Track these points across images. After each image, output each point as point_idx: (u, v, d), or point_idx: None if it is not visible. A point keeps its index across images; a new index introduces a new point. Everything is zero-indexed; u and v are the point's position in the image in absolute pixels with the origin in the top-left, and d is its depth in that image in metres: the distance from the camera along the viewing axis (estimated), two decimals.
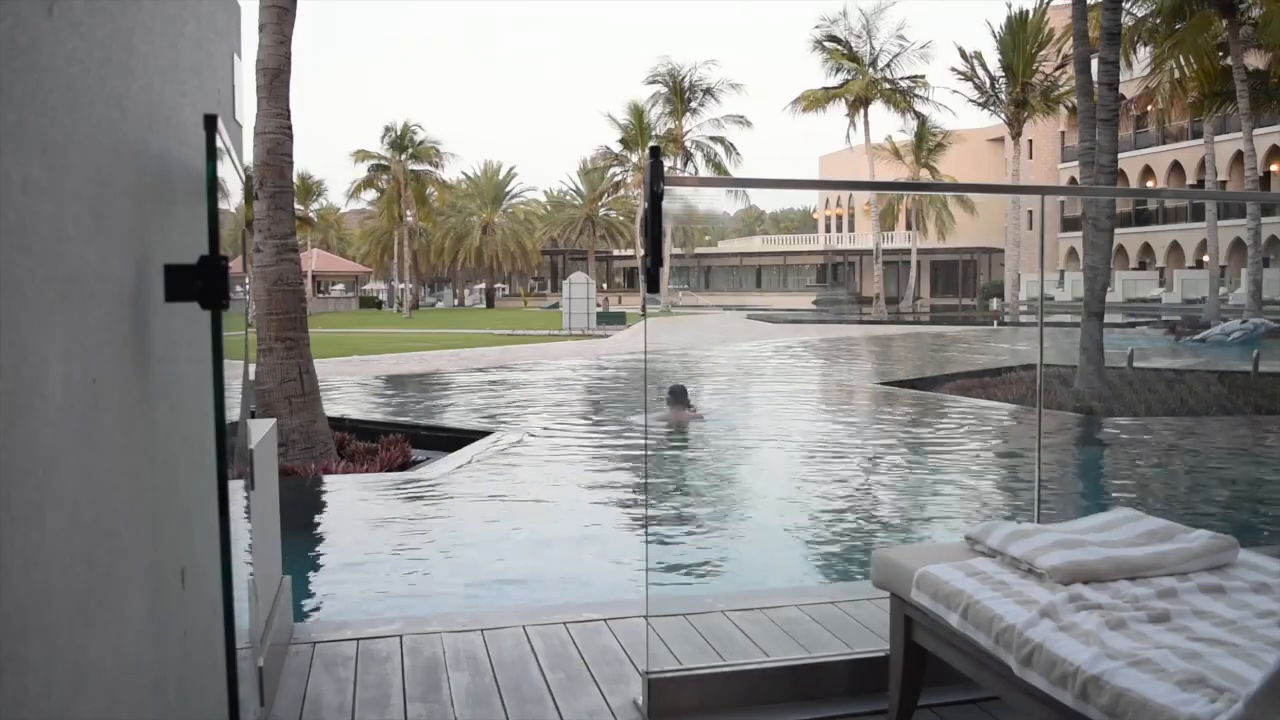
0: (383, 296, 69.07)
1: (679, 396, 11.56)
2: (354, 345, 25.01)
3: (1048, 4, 38.77)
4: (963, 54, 41.43)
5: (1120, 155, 16.21)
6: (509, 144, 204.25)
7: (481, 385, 16.92)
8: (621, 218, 62.24)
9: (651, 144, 3.18)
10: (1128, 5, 25.98)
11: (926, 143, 47.02)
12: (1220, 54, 27.11)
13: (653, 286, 3.43)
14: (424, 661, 3.48)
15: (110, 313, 1.23)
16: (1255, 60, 27.63)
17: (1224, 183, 40.71)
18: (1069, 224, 47.96)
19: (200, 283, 1.44)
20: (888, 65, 46.33)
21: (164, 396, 1.57)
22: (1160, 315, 34.13)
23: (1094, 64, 14.14)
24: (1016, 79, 39.85)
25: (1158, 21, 27.16)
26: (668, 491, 8.31)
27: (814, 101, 46.95)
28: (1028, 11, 39.38)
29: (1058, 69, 38.38)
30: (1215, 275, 32.30)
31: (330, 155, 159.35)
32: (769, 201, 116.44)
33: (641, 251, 3.22)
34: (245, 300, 4.59)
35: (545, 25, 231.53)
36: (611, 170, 59.66)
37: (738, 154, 53.06)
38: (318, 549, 6.55)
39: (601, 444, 10.82)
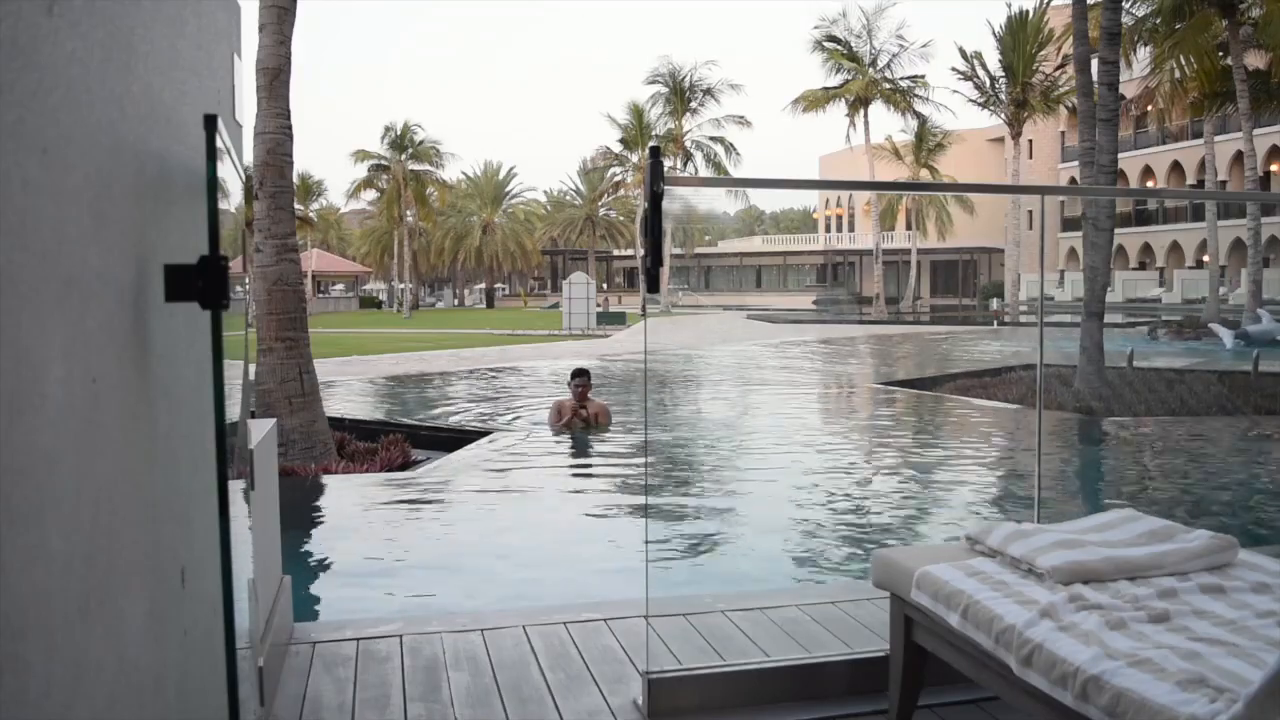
0: (383, 296, 69.11)
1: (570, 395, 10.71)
2: (354, 345, 25.00)
3: (1048, 4, 38.72)
4: (963, 54, 41.41)
5: (1120, 155, 16.18)
6: (509, 144, 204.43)
7: (481, 385, 16.91)
8: (621, 218, 62.26)
9: (651, 144, 3.18)
10: (1128, 5, 25.97)
11: (926, 143, 47.03)
12: (1220, 54, 27.08)
13: (653, 286, 3.42)
14: (424, 661, 3.48)
15: (110, 313, 1.23)
16: (1255, 60, 27.61)
17: (1224, 183, 40.70)
18: (1069, 224, 47.94)
19: (200, 283, 1.44)
20: (888, 65, 46.40)
21: (164, 396, 1.57)
22: (1160, 315, 34.11)
23: (1094, 64, 14.12)
24: (1016, 79, 39.81)
25: (1158, 21, 27.13)
26: (664, 486, 8.30)
27: (814, 101, 46.99)
28: (1028, 11, 39.34)
29: (1058, 69, 38.34)
30: (1215, 275, 32.28)
31: (330, 155, 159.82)
32: (769, 201, 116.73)
33: (641, 251, 3.22)
34: (245, 300, 4.59)
35: (546, 25, 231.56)
36: (611, 170, 59.73)
37: (738, 154, 53.17)
38: (318, 549, 6.54)
39: (601, 442, 10.81)
